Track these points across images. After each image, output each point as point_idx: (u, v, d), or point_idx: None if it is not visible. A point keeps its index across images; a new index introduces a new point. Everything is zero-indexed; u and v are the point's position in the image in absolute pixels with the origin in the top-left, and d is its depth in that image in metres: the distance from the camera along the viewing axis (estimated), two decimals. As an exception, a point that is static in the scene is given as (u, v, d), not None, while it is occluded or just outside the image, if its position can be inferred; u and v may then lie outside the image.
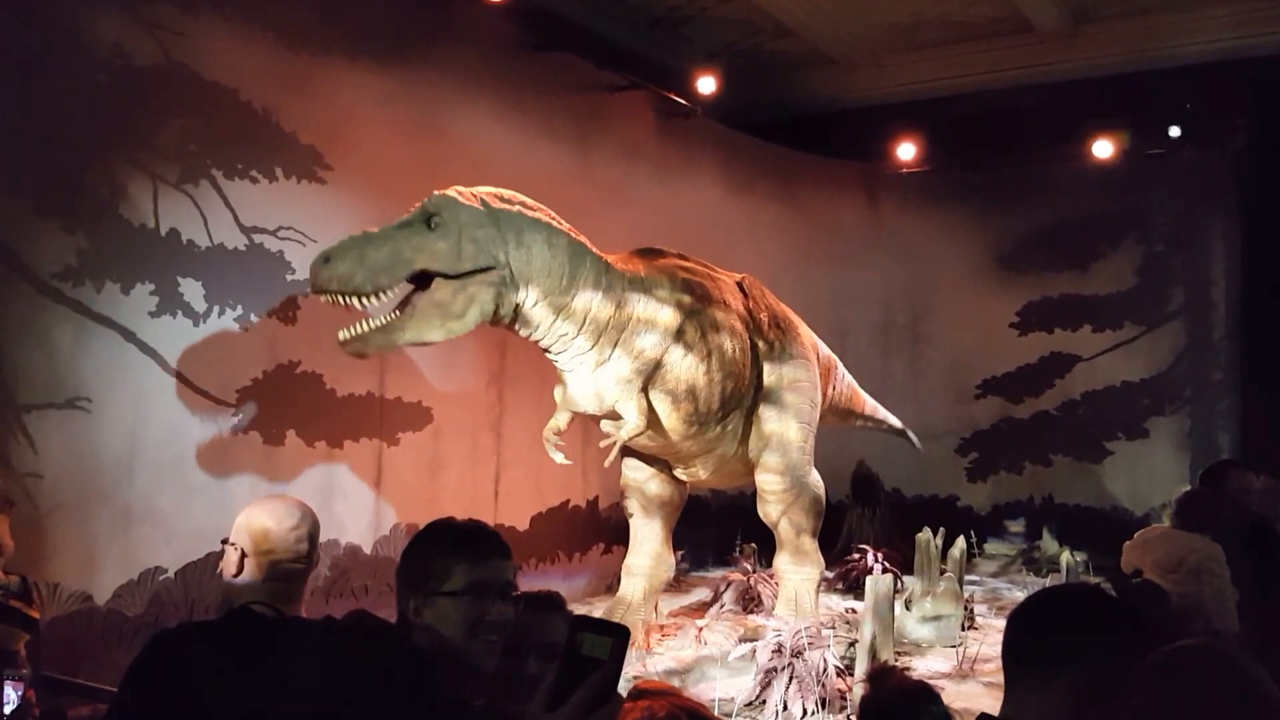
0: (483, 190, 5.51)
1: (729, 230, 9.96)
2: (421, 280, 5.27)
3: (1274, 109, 9.41)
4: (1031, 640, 1.92)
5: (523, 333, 5.73)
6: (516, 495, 8.12)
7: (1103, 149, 10.21)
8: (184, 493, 5.89)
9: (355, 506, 6.84)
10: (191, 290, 5.96)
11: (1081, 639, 1.85)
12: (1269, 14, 9.03)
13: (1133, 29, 9.53)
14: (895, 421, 8.96)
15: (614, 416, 6.00)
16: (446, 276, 5.26)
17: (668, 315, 6.07)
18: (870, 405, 8.64)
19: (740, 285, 6.97)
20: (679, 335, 6.09)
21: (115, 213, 5.63)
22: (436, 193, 5.35)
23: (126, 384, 5.64)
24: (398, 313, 5.28)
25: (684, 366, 6.11)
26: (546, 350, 5.88)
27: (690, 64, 9.64)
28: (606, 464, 6.20)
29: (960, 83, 10.35)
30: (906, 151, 10.83)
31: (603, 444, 6.02)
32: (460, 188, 5.44)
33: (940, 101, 10.51)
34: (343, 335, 5.24)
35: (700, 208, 9.89)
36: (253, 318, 6.27)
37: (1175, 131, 10.04)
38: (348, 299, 5.04)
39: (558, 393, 6.16)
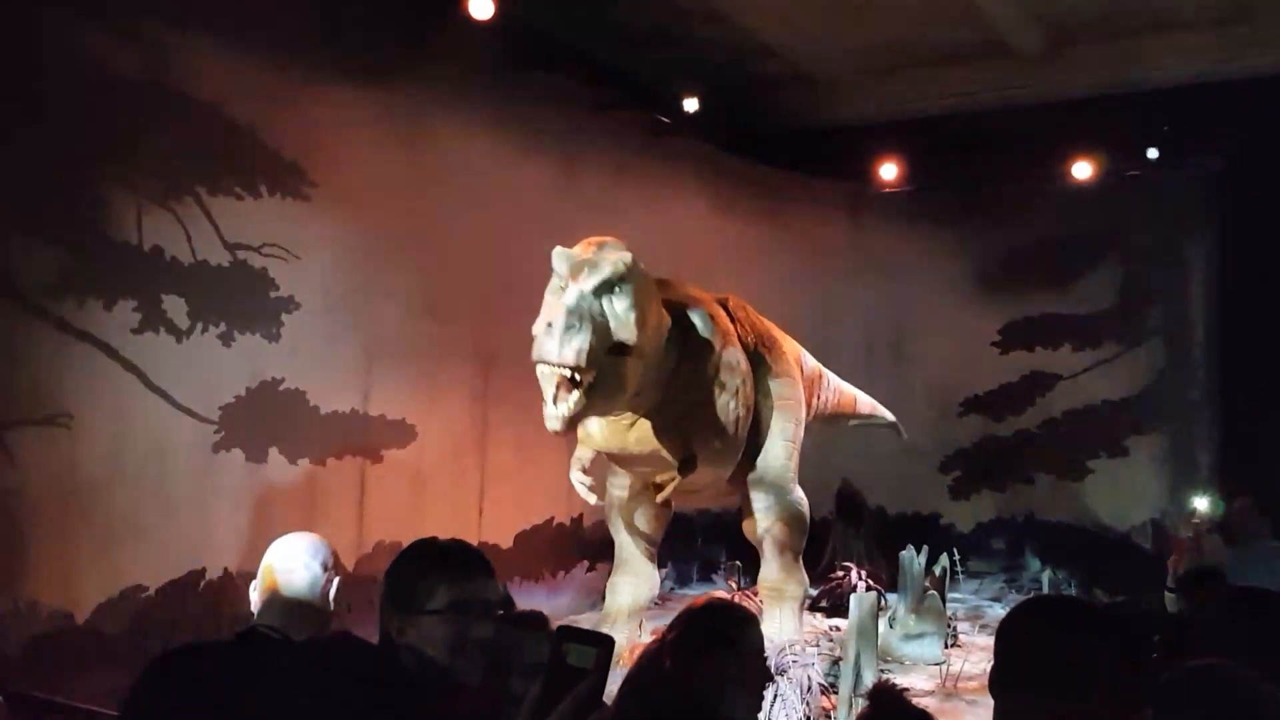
0: (599, 241, 5.38)
1: (713, 248, 9.99)
2: None
3: (1250, 132, 9.53)
4: (1021, 654, 1.91)
5: None
6: (500, 512, 8.10)
7: (1082, 170, 10.30)
8: (165, 511, 5.86)
9: (338, 524, 6.80)
10: (174, 307, 5.94)
11: (1071, 651, 1.84)
12: (1246, 39, 9.15)
13: (1111, 52, 9.63)
14: (888, 416, 9.00)
15: (653, 458, 5.97)
16: (627, 348, 5.18)
17: (705, 362, 6.07)
18: (866, 404, 8.67)
19: (725, 306, 6.98)
20: (715, 377, 6.12)
21: (98, 228, 5.61)
22: (615, 257, 5.18)
23: (108, 401, 5.61)
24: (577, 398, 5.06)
25: (717, 409, 6.14)
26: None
27: (675, 83, 9.69)
28: (659, 500, 6.25)
29: (942, 104, 10.43)
30: (889, 171, 10.90)
31: (660, 479, 6.03)
32: (606, 242, 5.32)
33: (922, 122, 10.59)
34: (556, 416, 5.02)
35: (685, 226, 9.92)
36: (236, 335, 6.25)
37: (1153, 153, 10.14)
38: (576, 375, 4.91)
39: (585, 430, 6.00)
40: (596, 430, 5.94)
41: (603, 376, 5.10)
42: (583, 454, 6.19)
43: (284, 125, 6.56)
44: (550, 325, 4.89)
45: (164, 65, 5.91)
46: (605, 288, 5.12)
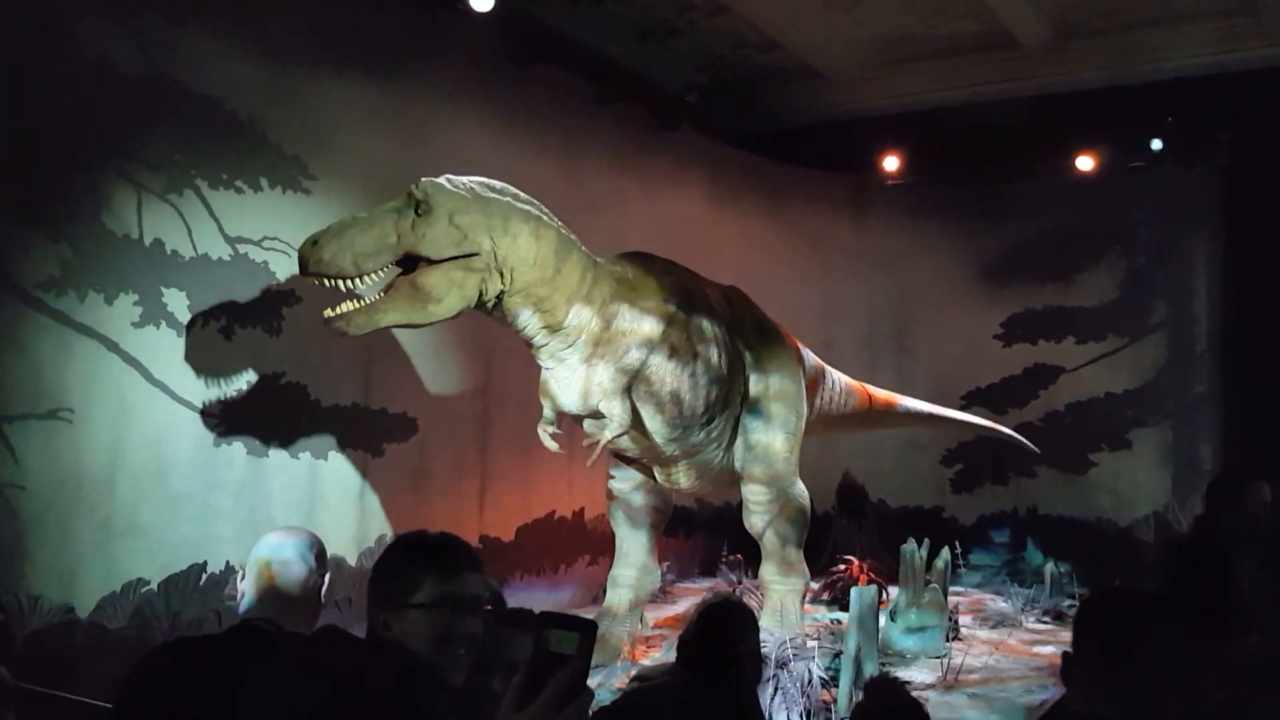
0: (473, 180, 5.55)
1: (716, 242, 9.99)
2: (408, 264, 5.34)
3: (1254, 123, 9.50)
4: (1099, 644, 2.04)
5: (507, 321, 5.75)
6: (502, 507, 8.11)
7: (1086, 162, 10.29)
8: (166, 504, 5.87)
9: (339, 518, 6.81)
10: (175, 300, 5.95)
11: (1144, 640, 1.98)
12: (1250, 30, 9.11)
13: (1116, 44, 9.60)
14: (977, 420, 8.96)
15: (597, 416, 5.99)
16: (430, 261, 5.31)
17: (654, 318, 6.07)
18: (906, 402, 8.69)
19: (727, 295, 6.99)
20: (664, 338, 6.09)
21: (99, 222, 5.61)
22: (424, 179, 5.39)
23: (109, 395, 5.62)
24: (382, 294, 5.33)
25: (668, 370, 6.12)
26: (530, 344, 5.87)
27: (678, 77, 9.67)
28: (589, 464, 6.18)
29: (945, 96, 10.40)
30: (892, 164, 10.89)
31: (586, 443, 6.00)
32: (450, 176, 5.48)
33: (926, 115, 10.56)
34: (328, 313, 5.29)
35: (687, 220, 9.91)
36: (237, 328, 6.26)
37: (1157, 145, 10.12)
38: (333, 282, 5.12)
39: (542, 391, 6.13)
40: (552, 387, 5.98)
41: (406, 287, 5.30)
42: (547, 412, 6.19)
43: (285, 119, 6.56)
44: (315, 240, 5.11)
45: (165, 59, 5.91)
46: (406, 207, 5.27)
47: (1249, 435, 9.45)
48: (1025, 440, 9.71)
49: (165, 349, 5.88)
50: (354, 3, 7.06)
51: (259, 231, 6.40)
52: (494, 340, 7.73)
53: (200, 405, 6.07)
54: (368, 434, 7.07)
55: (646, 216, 9.32)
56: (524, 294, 5.60)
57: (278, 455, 6.49)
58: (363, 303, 5.27)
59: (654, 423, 6.17)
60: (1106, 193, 10.67)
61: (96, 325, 5.57)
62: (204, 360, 6.08)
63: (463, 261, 5.37)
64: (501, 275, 5.50)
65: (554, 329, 5.75)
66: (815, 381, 7.70)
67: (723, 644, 3.00)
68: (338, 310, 5.26)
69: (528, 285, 5.58)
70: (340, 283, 5.14)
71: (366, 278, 5.19)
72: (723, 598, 3.33)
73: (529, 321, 5.72)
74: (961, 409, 11.42)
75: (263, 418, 6.39)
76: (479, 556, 2.14)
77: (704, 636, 3.03)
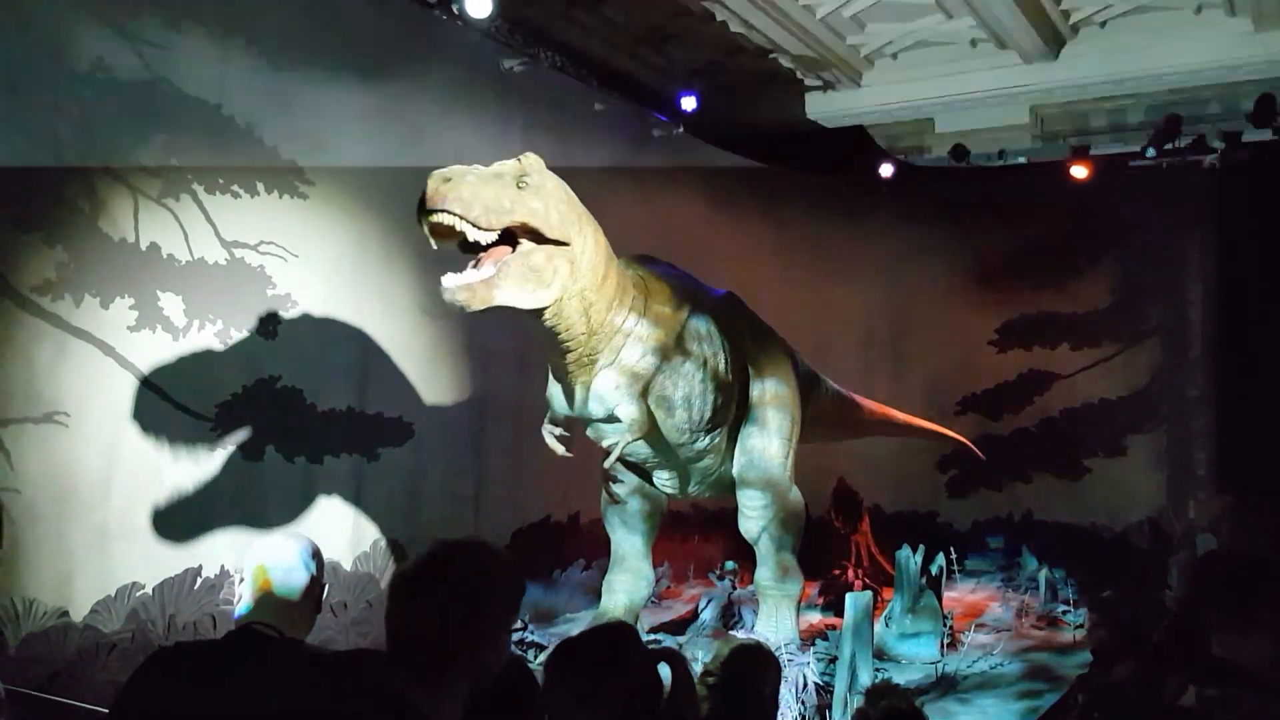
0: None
1: (711, 247, 9.98)
2: (504, 239, 5.05)
3: (1250, 129, 9.52)
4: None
5: (550, 324, 5.54)
6: (497, 511, 8.10)
7: (1081, 168, 10.30)
8: (162, 508, 5.85)
9: (334, 522, 6.80)
10: (171, 304, 5.94)
11: None
12: (1246, 36, 9.14)
13: (1111, 49, 9.64)
14: (939, 429, 9.03)
15: (611, 420, 5.99)
16: (537, 239, 5.12)
17: (668, 322, 6.09)
18: (884, 410, 8.76)
19: (724, 301, 7.00)
20: (678, 342, 6.12)
21: (95, 226, 5.60)
22: (531, 154, 5.25)
23: (105, 398, 5.61)
24: (498, 269, 5.02)
25: (680, 375, 6.13)
26: (563, 349, 5.75)
27: (673, 81, 9.68)
28: (607, 465, 6.17)
29: (939, 100, 10.42)
30: (887, 169, 10.90)
31: (604, 444, 5.98)
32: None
33: (921, 120, 10.59)
34: (451, 281, 4.93)
35: (683, 224, 9.91)
36: (233, 332, 6.25)
37: (1152, 151, 10.14)
38: (463, 224, 4.73)
39: (551, 395, 6.11)
40: (557, 393, 5.96)
41: (520, 266, 5.04)
42: (553, 416, 6.17)
43: (282, 124, 6.55)
44: (448, 178, 4.73)
45: (162, 64, 5.90)
46: (511, 176, 5.02)
47: (1243, 440, 9.47)
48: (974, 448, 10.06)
49: (161, 353, 5.87)
50: (351, 7, 7.06)
51: (255, 236, 6.40)
52: (489, 344, 7.74)
53: (196, 409, 6.06)
54: (363, 438, 7.06)
55: (642, 221, 9.29)
56: (580, 297, 5.50)
57: (273, 459, 6.48)
58: (479, 275, 4.95)
59: (665, 426, 6.19)
60: (1101, 198, 10.70)
61: (92, 329, 5.56)
62: (200, 364, 6.07)
63: (563, 250, 5.23)
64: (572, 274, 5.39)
65: (591, 334, 5.70)
66: (809, 388, 7.72)
67: (747, 684, 3.26)
68: (460, 282, 4.93)
69: (584, 289, 5.50)
70: (469, 228, 4.74)
71: (488, 234, 4.83)
72: (754, 642, 3.59)
73: (572, 325, 5.59)
74: (957, 415, 11.47)
75: (258, 422, 6.38)
76: None
77: (729, 673, 3.27)
